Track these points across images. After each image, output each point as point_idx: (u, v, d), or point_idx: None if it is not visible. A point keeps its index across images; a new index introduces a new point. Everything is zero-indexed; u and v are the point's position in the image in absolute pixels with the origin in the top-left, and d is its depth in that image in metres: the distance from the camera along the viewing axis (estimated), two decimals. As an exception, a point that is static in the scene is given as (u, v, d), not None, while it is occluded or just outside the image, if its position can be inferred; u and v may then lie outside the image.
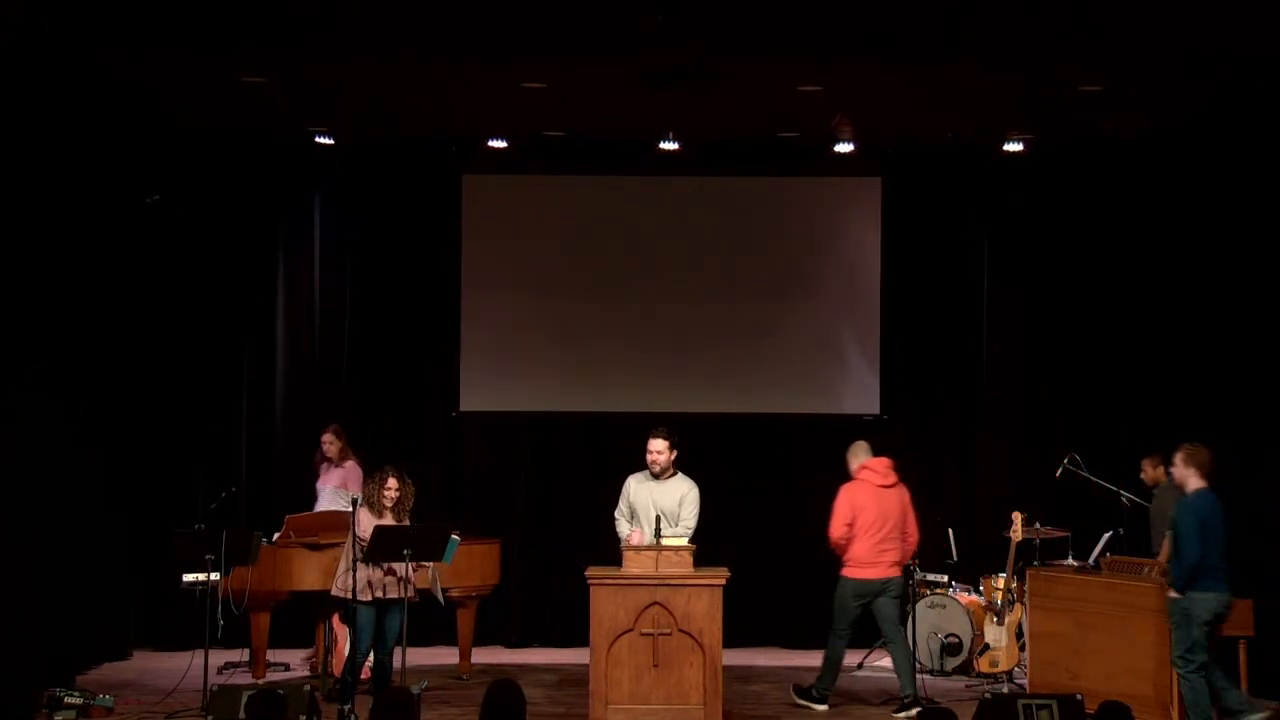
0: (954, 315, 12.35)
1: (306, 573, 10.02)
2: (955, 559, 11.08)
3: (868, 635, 11.39)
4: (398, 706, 6.11)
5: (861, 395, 12.26)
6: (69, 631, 10.24)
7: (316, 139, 11.38)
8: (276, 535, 10.32)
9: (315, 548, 10.01)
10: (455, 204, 12.27)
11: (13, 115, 9.68)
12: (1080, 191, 11.97)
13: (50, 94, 9.92)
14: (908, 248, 12.29)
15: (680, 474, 9.51)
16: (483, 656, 11.16)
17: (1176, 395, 11.21)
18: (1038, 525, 10.58)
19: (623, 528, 9.47)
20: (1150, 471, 10.25)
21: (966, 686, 10.41)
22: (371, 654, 9.13)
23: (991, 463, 12.18)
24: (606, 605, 8.85)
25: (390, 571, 8.95)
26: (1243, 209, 10.61)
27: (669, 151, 11.35)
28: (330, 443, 10.83)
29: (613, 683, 8.79)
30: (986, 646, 10.56)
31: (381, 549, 8.81)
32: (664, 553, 8.91)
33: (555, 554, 11.99)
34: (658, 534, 9.07)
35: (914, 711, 9.10)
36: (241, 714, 7.52)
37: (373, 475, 9.18)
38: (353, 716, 8.68)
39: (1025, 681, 10.11)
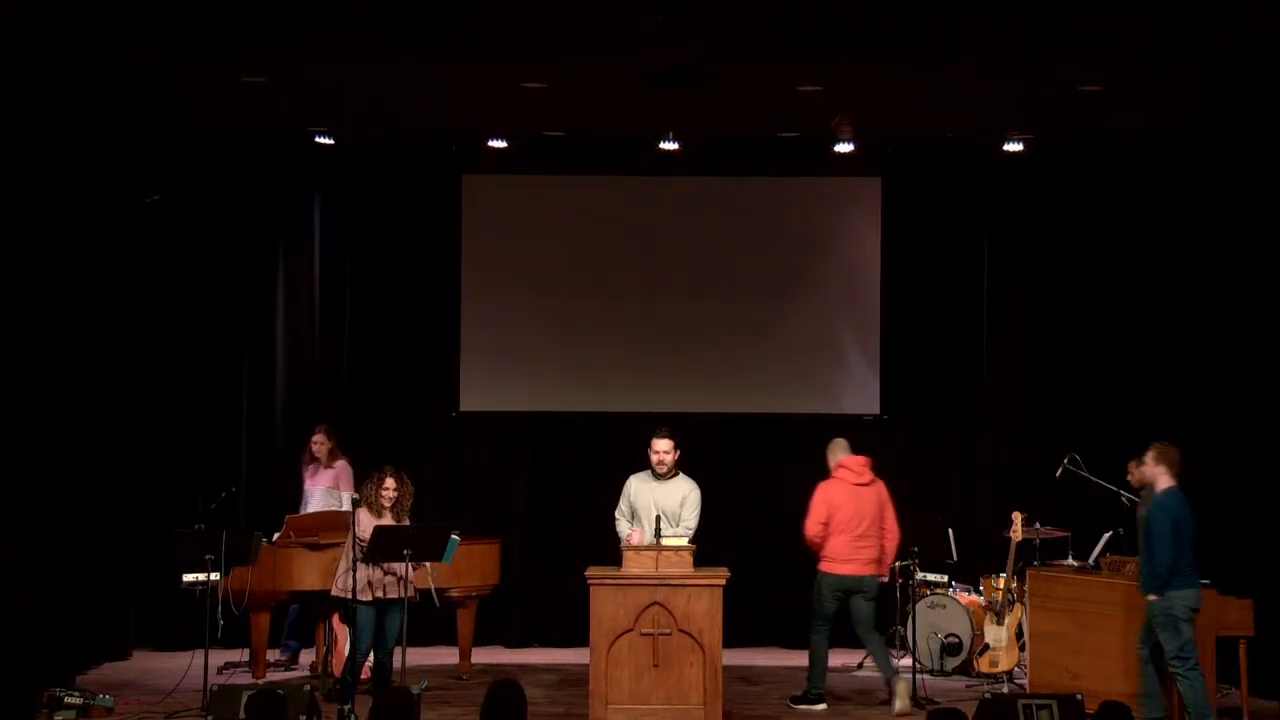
0: (954, 315, 12.35)
1: (306, 573, 10.02)
2: (955, 559, 11.08)
3: (868, 635, 11.44)
4: (398, 706, 6.11)
5: (861, 395, 12.26)
6: (69, 631, 10.24)
7: (316, 139, 11.38)
8: (276, 535, 10.33)
9: (315, 548, 10.02)
10: (455, 204, 12.27)
11: (13, 115, 9.68)
12: (1080, 191, 11.97)
13: (50, 94, 9.92)
14: (908, 248, 12.29)
15: (682, 474, 9.52)
16: (483, 656, 11.16)
17: (1176, 395, 11.20)
18: (1038, 525, 10.58)
19: (623, 528, 9.47)
20: (1137, 473, 10.24)
21: (966, 686, 10.41)
22: (371, 654, 9.13)
23: (991, 463, 12.18)
24: (606, 605, 8.85)
25: (390, 571, 8.95)
26: (1243, 209, 10.61)
27: (669, 151, 11.35)
28: (320, 443, 10.84)
29: (613, 683, 8.80)
30: (986, 646, 10.56)
31: (381, 549, 8.81)
32: (664, 553, 8.91)
33: (555, 554, 12.00)
34: (657, 534, 9.07)
35: (899, 687, 9.44)
36: (241, 714, 7.52)
37: (371, 475, 9.18)
38: (353, 716, 8.68)
39: (1025, 681, 10.11)
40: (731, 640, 9.38)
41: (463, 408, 12.29)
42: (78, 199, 10.60)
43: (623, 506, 9.54)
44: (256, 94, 10.03)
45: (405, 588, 8.95)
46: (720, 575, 8.93)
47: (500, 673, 10.22)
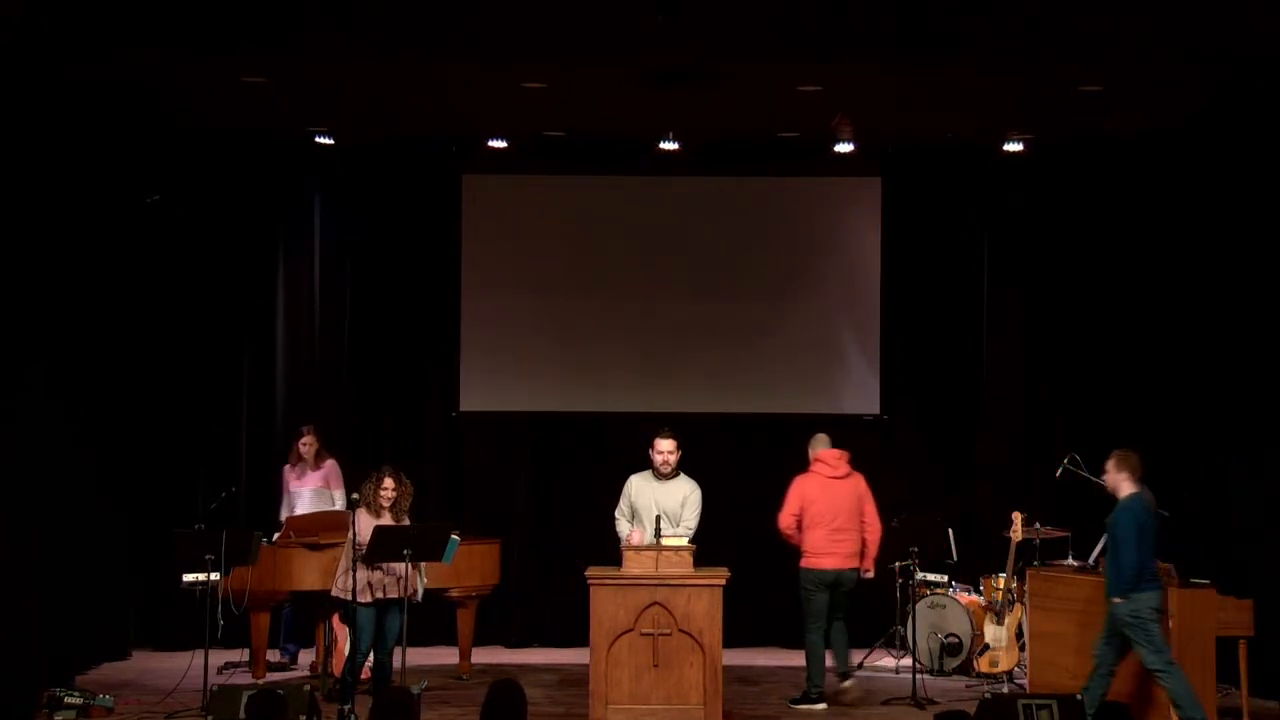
0: (954, 315, 12.36)
1: (306, 573, 10.02)
2: (955, 559, 11.07)
3: (868, 635, 11.43)
4: (398, 706, 6.11)
5: (861, 395, 12.27)
6: (69, 631, 10.24)
7: (316, 139, 11.38)
8: (276, 535, 10.33)
9: (315, 548, 10.01)
10: (455, 204, 12.27)
11: (13, 115, 9.67)
12: (1080, 191, 11.97)
13: (50, 94, 9.92)
14: (908, 248, 12.30)
15: (683, 474, 9.53)
16: (483, 656, 11.16)
17: (1176, 395, 11.21)
18: (1038, 525, 10.58)
19: (623, 528, 9.47)
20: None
21: (966, 686, 10.41)
22: (371, 654, 9.13)
23: (991, 463, 12.18)
24: (606, 605, 8.85)
25: (389, 571, 8.95)
26: (1243, 209, 10.61)
27: (669, 151, 11.35)
28: (309, 444, 10.83)
29: (613, 683, 8.80)
30: (986, 646, 10.56)
31: (381, 549, 8.81)
32: (664, 553, 8.91)
33: (555, 554, 12.00)
34: (657, 534, 9.07)
35: (848, 683, 9.69)
36: (241, 714, 7.52)
37: (370, 476, 9.18)
38: (353, 716, 8.68)
39: (1025, 681, 10.11)
40: (731, 640, 9.38)
41: (463, 408, 12.29)
42: (78, 199, 10.60)
43: (623, 506, 9.54)
44: (256, 94, 10.03)
45: (405, 588, 8.94)
46: (720, 575, 8.93)
47: (500, 673, 10.22)
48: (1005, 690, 10.03)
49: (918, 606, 10.67)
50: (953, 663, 10.83)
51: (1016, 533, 10.34)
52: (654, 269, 12.23)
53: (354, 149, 11.73)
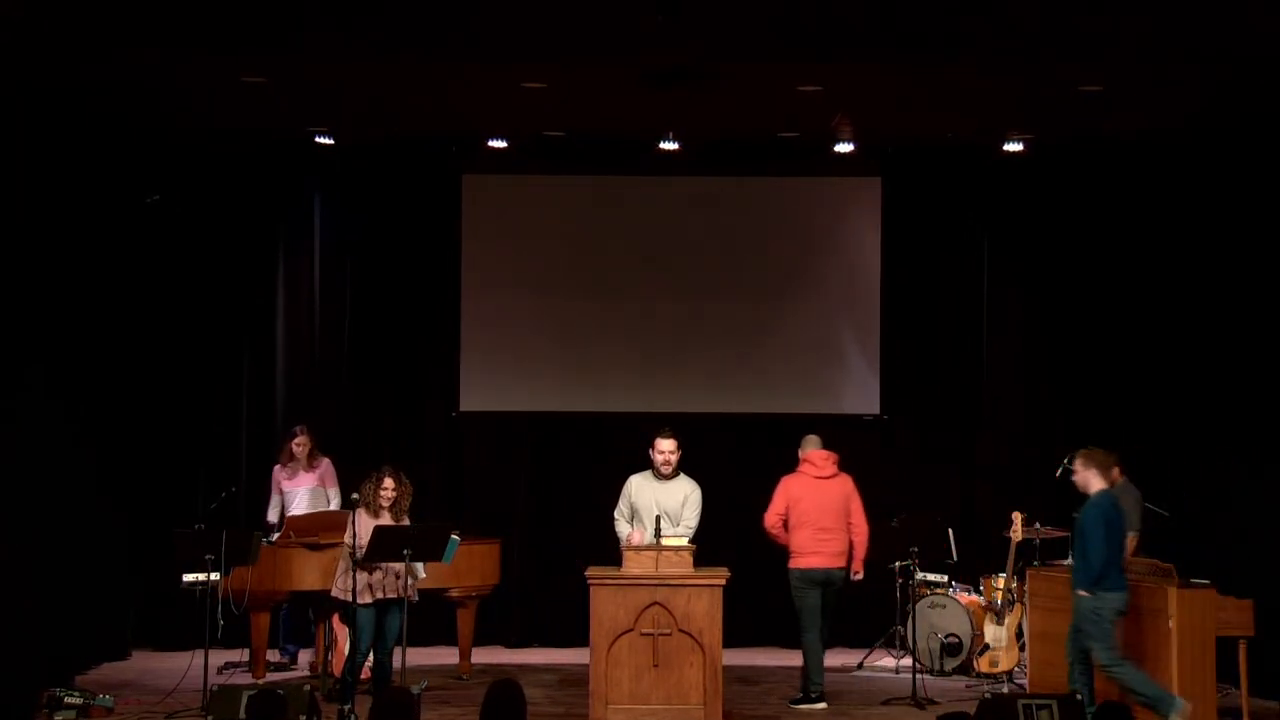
0: (954, 315, 12.36)
1: (306, 573, 10.02)
2: (955, 559, 11.06)
3: (867, 635, 11.45)
4: (398, 706, 6.11)
5: (861, 395, 12.27)
6: (69, 631, 10.23)
7: (316, 139, 11.38)
8: (276, 535, 10.33)
9: (315, 548, 10.01)
10: (455, 204, 12.27)
11: (13, 115, 9.67)
12: (1080, 191, 11.97)
13: (50, 94, 9.92)
14: (908, 248, 12.30)
15: (683, 474, 9.53)
16: (483, 656, 11.16)
17: (1176, 395, 11.21)
18: (1038, 525, 10.58)
19: (622, 528, 9.47)
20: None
21: (966, 686, 10.41)
22: (371, 654, 9.13)
23: (991, 463, 12.18)
24: (606, 605, 8.84)
25: (389, 571, 8.95)
26: (1243, 209, 10.60)
27: (669, 151, 11.35)
28: (302, 444, 10.83)
29: (613, 683, 8.79)
30: (986, 646, 10.56)
31: (381, 549, 8.81)
32: (664, 553, 8.91)
33: (555, 554, 12.00)
34: (657, 534, 9.07)
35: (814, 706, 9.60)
36: (241, 714, 7.52)
37: (369, 475, 9.18)
38: (353, 716, 8.68)
39: (1025, 681, 10.11)
40: (731, 640, 9.37)
41: (463, 408, 12.29)
42: (78, 199, 10.59)
43: (622, 507, 9.54)
44: (256, 94, 10.03)
45: (405, 588, 8.94)
46: (720, 575, 8.93)
47: (500, 673, 10.22)
48: (1005, 690, 10.04)
49: (918, 606, 10.66)
50: (953, 663, 10.83)
51: (1016, 533, 10.34)
52: (654, 269, 12.23)
53: (354, 149, 11.73)
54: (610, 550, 9.36)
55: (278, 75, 9.73)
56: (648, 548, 9.00)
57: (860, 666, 11.20)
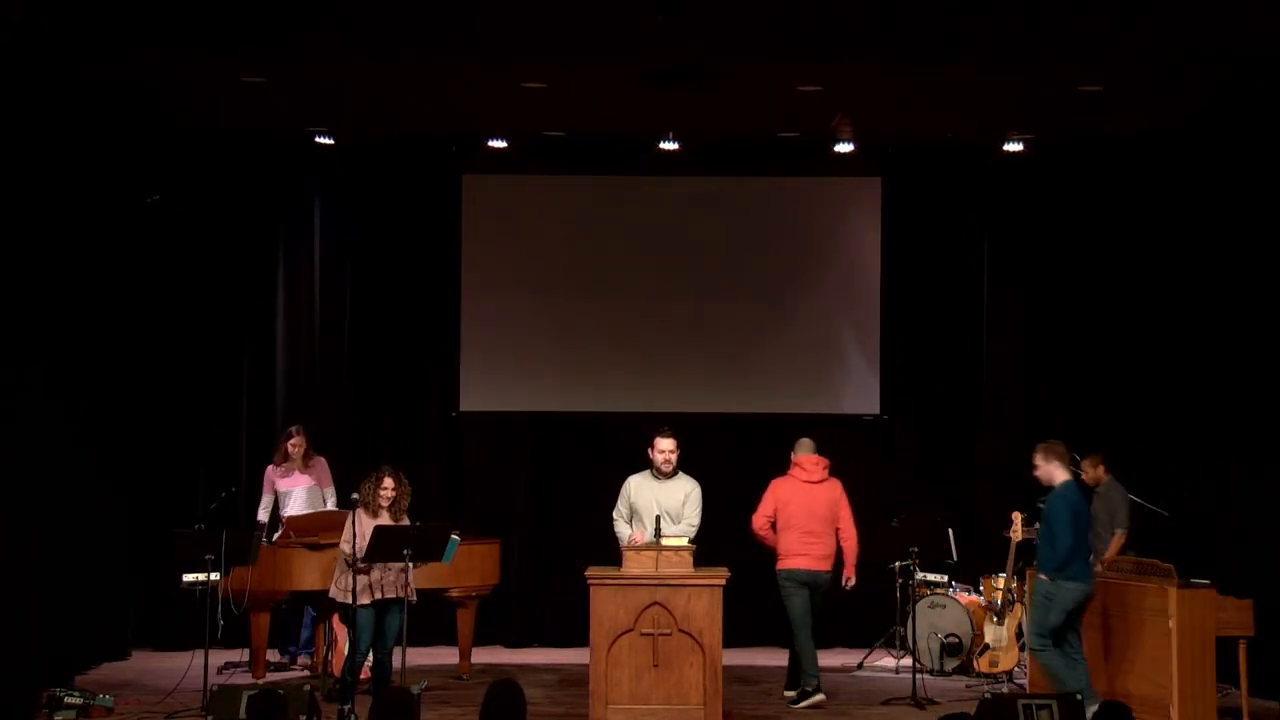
0: (954, 315, 12.36)
1: (306, 573, 10.01)
2: (955, 559, 11.07)
3: (867, 635, 11.46)
4: (398, 706, 6.10)
5: (861, 395, 12.27)
6: (69, 631, 10.23)
7: (316, 139, 11.38)
8: (276, 535, 10.33)
9: (315, 548, 10.00)
10: (455, 204, 12.27)
11: (13, 115, 9.67)
12: (1080, 191, 11.97)
13: (50, 94, 9.92)
14: (908, 248, 12.30)
15: (682, 473, 9.54)
16: (483, 656, 11.16)
17: (1176, 395, 11.21)
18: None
19: (622, 529, 9.47)
20: (1091, 471, 10.34)
21: (966, 686, 10.41)
22: (371, 654, 9.13)
23: (991, 463, 12.17)
24: (606, 605, 8.84)
25: (388, 571, 8.95)
26: (1243, 209, 10.60)
27: (669, 151, 11.35)
28: (298, 445, 10.82)
29: (613, 683, 8.79)
30: (986, 646, 10.56)
31: (381, 549, 8.81)
32: (664, 553, 8.91)
33: (555, 554, 12.00)
34: (658, 533, 9.07)
35: (788, 693, 9.75)
36: (241, 714, 7.51)
37: (369, 475, 9.18)
38: (353, 716, 8.67)
39: (1025, 681, 10.11)
40: (731, 640, 9.37)
41: (463, 408, 12.29)
42: (78, 199, 10.59)
43: (621, 508, 9.54)
44: (256, 94, 10.03)
45: (404, 588, 8.94)
46: (720, 575, 8.93)
47: (500, 673, 10.22)
48: (1005, 690, 10.03)
49: (918, 606, 10.66)
50: (953, 663, 10.83)
51: (1016, 533, 10.33)
52: (654, 269, 12.23)
53: (354, 149, 11.73)
54: (610, 550, 9.36)
55: (278, 75, 9.73)
56: (648, 547, 9.00)
57: (860, 666, 11.20)
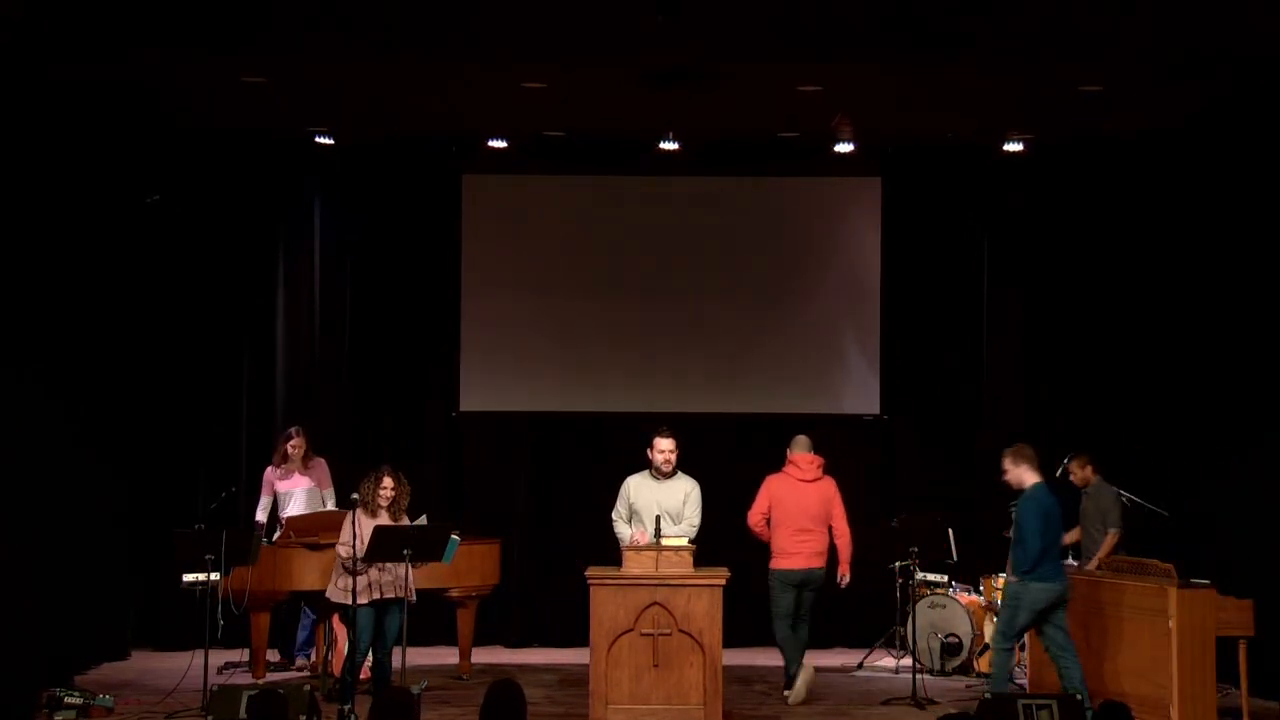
0: (954, 315, 12.36)
1: (306, 573, 10.01)
2: (955, 559, 11.06)
3: (867, 635, 11.45)
4: (398, 706, 6.10)
5: (861, 395, 12.27)
6: (69, 631, 10.23)
7: (316, 139, 11.38)
8: (276, 535, 10.33)
9: (315, 548, 10.00)
10: (455, 204, 12.27)
11: (13, 115, 9.67)
12: (1080, 191, 11.97)
13: (50, 94, 9.92)
14: (908, 248, 12.30)
15: (681, 473, 9.54)
16: (483, 656, 11.16)
17: (1176, 395, 11.21)
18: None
19: (622, 529, 9.47)
20: (1079, 473, 10.36)
21: (966, 687, 10.41)
22: (371, 653, 9.13)
23: (991, 463, 12.12)
24: (606, 605, 8.84)
25: (387, 571, 8.95)
26: (1243, 209, 10.60)
27: (669, 151, 11.35)
28: (297, 446, 10.82)
29: (613, 683, 8.79)
30: (986, 646, 10.55)
31: (382, 549, 8.81)
32: (664, 553, 8.91)
33: (555, 554, 12.00)
34: (658, 533, 9.07)
35: (787, 692, 9.77)
36: (241, 714, 7.52)
37: (368, 475, 9.18)
38: (353, 716, 8.67)
39: (1025, 681, 10.10)
40: (731, 640, 9.38)
41: (463, 408, 12.29)
42: (78, 199, 10.59)
43: (620, 509, 9.54)
44: (256, 94, 10.03)
45: (404, 588, 8.94)
46: (720, 575, 8.93)
47: (500, 673, 10.22)
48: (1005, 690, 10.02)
49: (918, 606, 10.66)
50: (953, 663, 10.83)
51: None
52: (654, 269, 12.23)
53: (354, 149, 11.73)
54: (610, 550, 9.35)
55: (278, 75, 9.73)
56: (648, 548, 9.00)
57: (860, 666, 11.20)
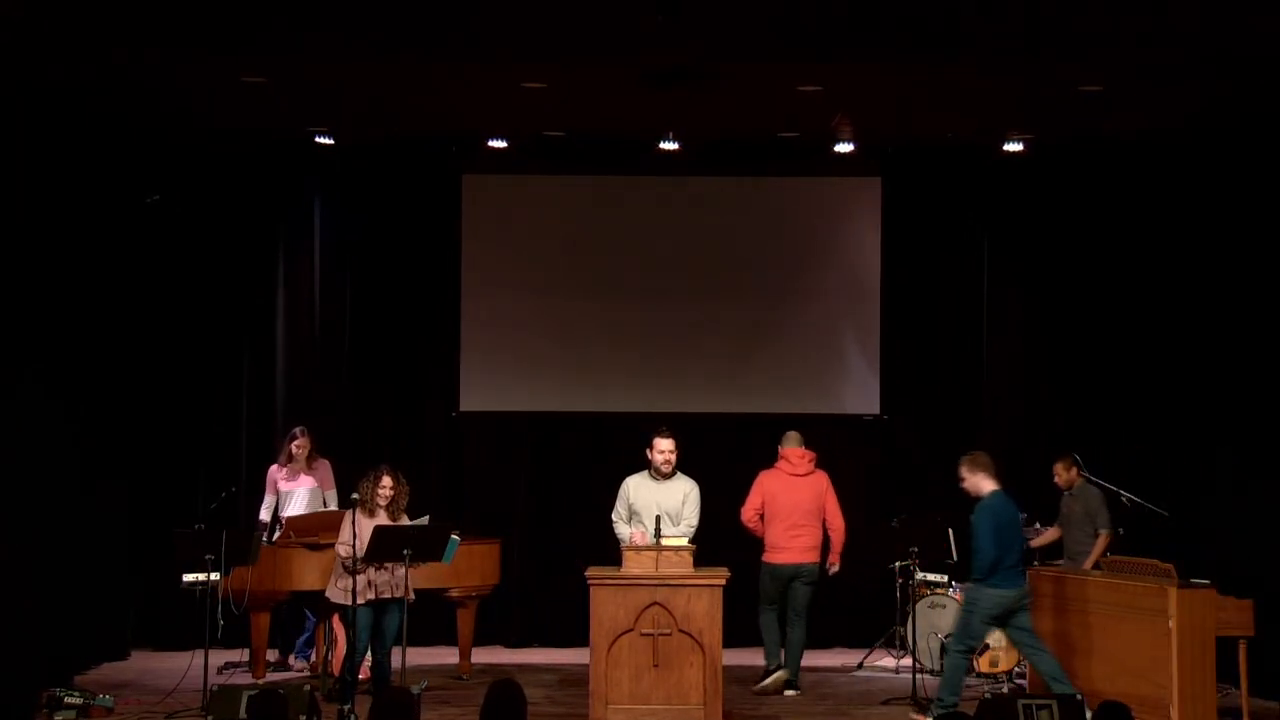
0: (954, 315, 12.36)
1: (306, 573, 10.01)
2: (955, 559, 11.05)
3: (867, 635, 11.45)
4: (398, 706, 6.10)
5: (861, 395, 12.27)
6: (69, 631, 10.23)
7: (316, 139, 11.38)
8: (276, 535, 10.33)
9: (315, 548, 10.00)
10: (455, 204, 12.27)
11: (13, 115, 9.67)
12: (1080, 191, 11.97)
13: (50, 94, 9.92)
14: (908, 248, 12.30)
15: (680, 473, 9.55)
16: (483, 656, 11.16)
17: (1176, 395, 11.21)
18: (1038, 525, 10.57)
19: (622, 530, 9.48)
20: (1064, 474, 10.36)
21: (967, 686, 10.39)
22: (370, 653, 9.13)
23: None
24: (606, 605, 8.84)
25: (384, 570, 8.95)
26: (1243, 209, 10.60)
27: (669, 151, 11.35)
28: (302, 446, 10.82)
29: (613, 683, 8.79)
30: (986, 646, 10.54)
31: (382, 549, 8.81)
32: (664, 553, 8.91)
33: (555, 554, 12.00)
34: (658, 533, 9.07)
35: (789, 692, 9.98)
36: (242, 714, 7.52)
37: (368, 474, 9.18)
38: (353, 716, 8.67)
39: (1025, 681, 10.10)
40: (731, 640, 9.37)
41: (463, 408, 12.29)
42: (78, 199, 10.59)
43: (620, 509, 9.55)
44: (256, 94, 10.03)
45: (403, 588, 8.93)
46: (720, 575, 8.93)
47: (500, 673, 10.22)
48: (1005, 690, 10.03)
49: (918, 606, 10.66)
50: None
51: (1016, 533, 10.32)
52: (654, 269, 12.23)
53: (354, 149, 11.73)
54: (610, 550, 9.35)
55: (278, 75, 9.73)
56: (648, 548, 9.00)
57: (860, 666, 11.20)
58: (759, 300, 12.23)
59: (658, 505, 9.32)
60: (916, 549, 10.16)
